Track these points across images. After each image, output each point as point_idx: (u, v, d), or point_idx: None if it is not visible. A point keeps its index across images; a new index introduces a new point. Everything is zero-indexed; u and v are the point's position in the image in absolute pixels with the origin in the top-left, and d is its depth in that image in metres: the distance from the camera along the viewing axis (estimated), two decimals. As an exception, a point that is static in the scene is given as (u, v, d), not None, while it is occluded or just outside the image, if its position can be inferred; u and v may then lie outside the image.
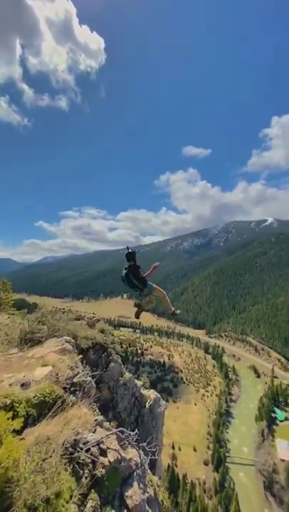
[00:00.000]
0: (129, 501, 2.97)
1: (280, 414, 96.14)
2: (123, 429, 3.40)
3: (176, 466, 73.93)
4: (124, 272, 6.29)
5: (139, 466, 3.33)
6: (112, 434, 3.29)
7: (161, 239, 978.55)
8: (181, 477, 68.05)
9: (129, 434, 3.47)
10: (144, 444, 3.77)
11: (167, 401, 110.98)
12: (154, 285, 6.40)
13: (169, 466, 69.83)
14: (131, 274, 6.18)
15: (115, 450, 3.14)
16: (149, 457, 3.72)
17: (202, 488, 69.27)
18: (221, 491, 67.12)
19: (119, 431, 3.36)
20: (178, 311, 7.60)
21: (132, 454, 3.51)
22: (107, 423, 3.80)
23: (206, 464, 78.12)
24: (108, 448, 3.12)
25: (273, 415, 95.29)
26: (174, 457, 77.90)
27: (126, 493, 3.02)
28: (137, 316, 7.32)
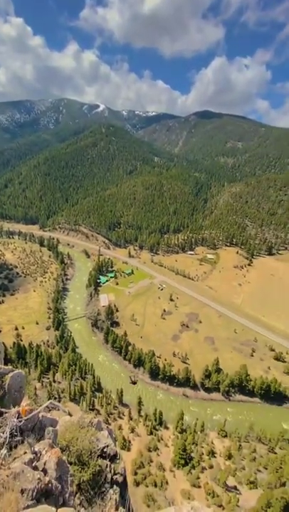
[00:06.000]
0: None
1: (102, 279, 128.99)
2: None
3: (21, 340, 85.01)
4: None
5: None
6: None
7: None
8: (27, 345, 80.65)
9: None
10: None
11: (4, 296, 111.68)
12: None
13: (14, 343, 79.09)
14: None
15: None
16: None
17: (46, 345, 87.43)
18: (61, 340, 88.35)
19: None
20: None
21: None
22: None
23: (48, 329, 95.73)
24: None
25: (98, 281, 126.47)
26: (18, 335, 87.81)
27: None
28: None
